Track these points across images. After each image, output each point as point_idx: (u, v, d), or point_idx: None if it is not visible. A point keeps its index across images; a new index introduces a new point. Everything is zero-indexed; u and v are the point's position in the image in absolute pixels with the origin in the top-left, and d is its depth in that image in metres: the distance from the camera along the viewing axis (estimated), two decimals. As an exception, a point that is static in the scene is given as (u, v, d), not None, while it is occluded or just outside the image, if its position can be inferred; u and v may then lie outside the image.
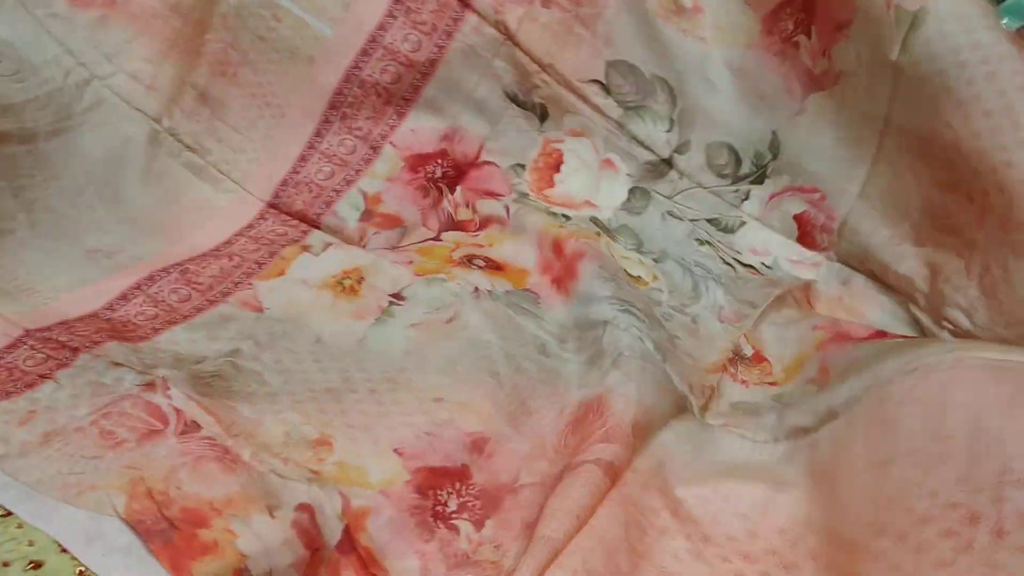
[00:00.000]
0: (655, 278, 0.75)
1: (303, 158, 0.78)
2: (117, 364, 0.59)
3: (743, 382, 0.67)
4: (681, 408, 0.64)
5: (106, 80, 0.81)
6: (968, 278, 0.66)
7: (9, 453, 0.51)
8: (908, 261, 0.70)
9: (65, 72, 0.80)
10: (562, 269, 0.73)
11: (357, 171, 0.78)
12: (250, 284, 0.70)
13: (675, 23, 0.75)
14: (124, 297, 0.67)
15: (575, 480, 0.55)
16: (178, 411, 0.55)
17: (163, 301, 0.68)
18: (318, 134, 0.79)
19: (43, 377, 0.57)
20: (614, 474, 0.56)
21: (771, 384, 0.67)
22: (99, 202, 0.76)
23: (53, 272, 0.67)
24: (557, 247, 0.74)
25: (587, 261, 0.72)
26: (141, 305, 0.67)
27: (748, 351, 0.70)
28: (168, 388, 0.56)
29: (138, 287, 0.68)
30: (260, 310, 0.67)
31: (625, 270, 0.75)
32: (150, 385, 0.57)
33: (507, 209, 0.79)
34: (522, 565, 0.50)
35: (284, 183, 0.78)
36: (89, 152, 0.78)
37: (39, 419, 0.54)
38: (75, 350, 0.60)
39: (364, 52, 0.77)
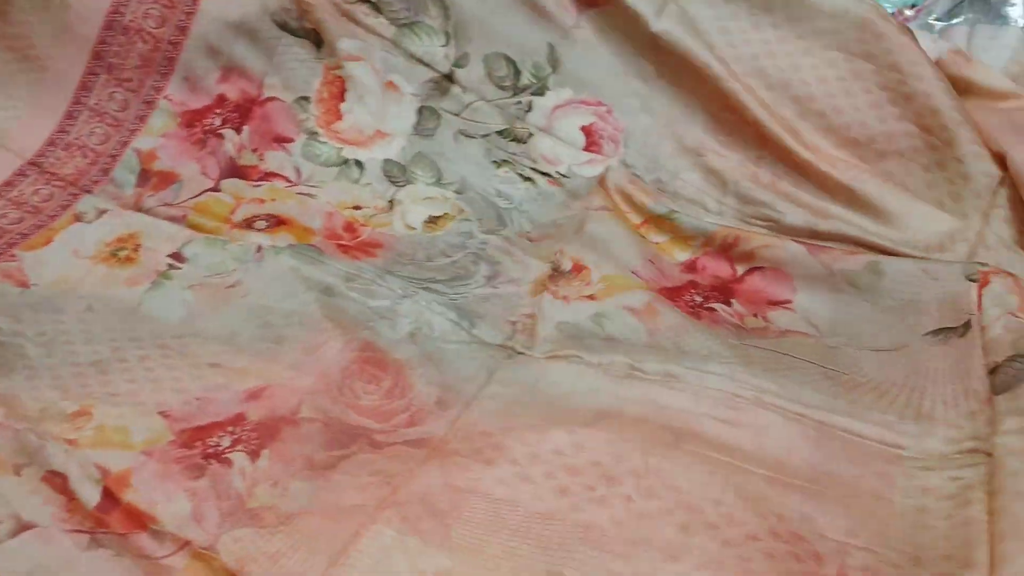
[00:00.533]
0: (461, 211, 0.74)
1: (70, 115, 0.74)
2: None
3: (564, 298, 0.67)
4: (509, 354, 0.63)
5: None
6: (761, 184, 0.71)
7: None
8: (694, 173, 0.72)
9: None
10: (353, 246, 0.71)
11: (132, 131, 0.74)
12: (13, 255, 0.67)
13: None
14: None
15: (383, 458, 0.54)
16: None
17: None
18: (84, 87, 0.75)
19: None
20: (431, 446, 0.55)
21: (590, 298, 0.66)
22: None
23: None
24: (349, 227, 0.73)
25: (384, 251, 0.71)
26: None
27: (567, 265, 0.69)
28: None
29: None
30: (26, 284, 0.65)
31: (427, 218, 0.74)
32: None
33: (297, 171, 0.76)
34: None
35: (51, 143, 0.74)
36: None
37: None
38: None
39: (121, -5, 0.73)
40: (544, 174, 0.76)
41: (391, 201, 0.75)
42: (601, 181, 0.75)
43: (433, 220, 0.74)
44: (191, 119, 0.75)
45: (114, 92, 0.75)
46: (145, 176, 0.74)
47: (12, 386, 0.56)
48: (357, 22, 0.75)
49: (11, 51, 0.74)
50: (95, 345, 0.60)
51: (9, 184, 0.72)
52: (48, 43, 0.74)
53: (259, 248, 0.68)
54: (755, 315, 0.65)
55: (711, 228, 0.70)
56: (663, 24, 0.71)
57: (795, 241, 0.67)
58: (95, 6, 0.73)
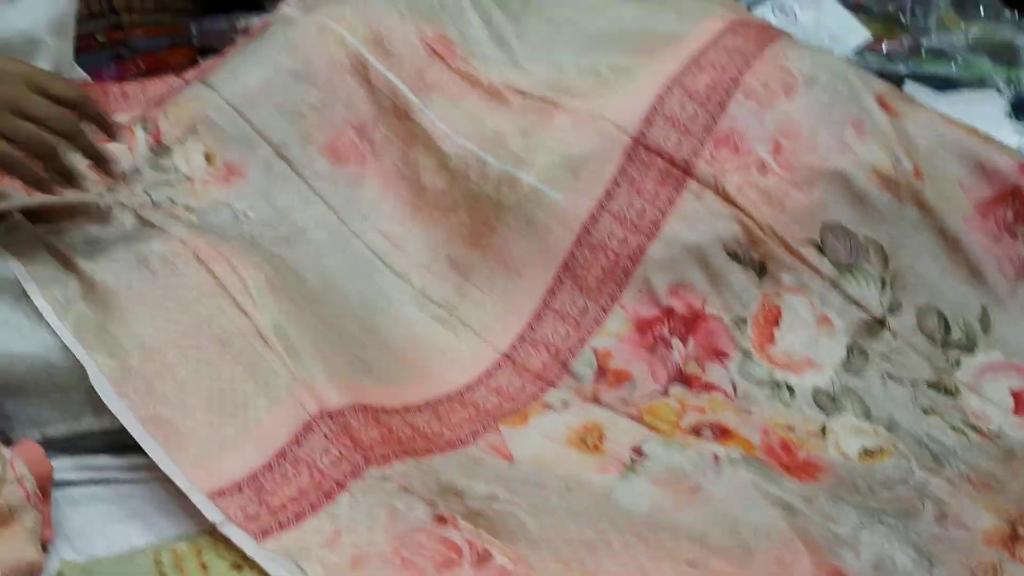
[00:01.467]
0: (895, 447, 0.77)
1: (538, 315, 0.86)
2: (406, 489, 0.65)
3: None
4: None
5: (361, 237, 0.92)
6: None
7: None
8: None
9: (328, 231, 0.92)
10: (796, 466, 0.75)
11: (589, 331, 0.84)
12: (497, 429, 0.76)
13: (891, 190, 0.80)
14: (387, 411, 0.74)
15: None
16: (470, 543, 0.61)
17: (419, 429, 0.74)
18: (551, 292, 0.86)
19: (339, 486, 0.65)
20: None
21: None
22: (357, 328, 0.84)
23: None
24: (785, 446, 0.77)
25: (825, 475, 0.74)
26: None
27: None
28: (457, 522, 0.62)
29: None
30: (511, 459, 0.73)
31: (861, 449, 0.77)
32: (441, 519, 0.63)
33: (734, 386, 0.83)
34: None
35: (521, 338, 0.85)
36: (344, 291, 0.87)
37: (343, 542, 0.61)
38: (366, 459, 0.67)
39: (592, 217, 0.85)
40: (975, 428, 0.78)
41: (823, 428, 0.79)
42: None
43: (868, 452, 0.77)
44: (643, 326, 0.84)
45: (576, 298, 0.86)
46: (601, 372, 0.82)
47: (520, 554, 0.63)
48: (802, 260, 0.83)
49: (494, 259, 0.88)
50: (580, 524, 0.66)
51: (489, 374, 0.83)
52: (525, 254, 0.87)
53: (716, 457, 0.73)
54: None
55: None
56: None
57: None
58: (570, 226, 0.86)
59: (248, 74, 0.97)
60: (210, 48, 1.27)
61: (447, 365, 0.84)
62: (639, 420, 0.78)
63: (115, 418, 0.71)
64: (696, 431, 0.77)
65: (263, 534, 0.62)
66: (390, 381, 0.79)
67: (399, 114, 0.96)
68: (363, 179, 0.96)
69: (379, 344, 0.84)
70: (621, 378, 0.82)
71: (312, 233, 0.90)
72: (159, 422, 0.69)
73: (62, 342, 0.71)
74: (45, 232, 0.79)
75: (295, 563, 0.60)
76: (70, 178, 0.72)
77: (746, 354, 0.84)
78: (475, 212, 0.89)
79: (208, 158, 0.92)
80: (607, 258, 0.85)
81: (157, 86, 1.04)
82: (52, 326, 0.72)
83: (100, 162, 0.75)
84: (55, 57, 0.93)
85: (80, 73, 1.01)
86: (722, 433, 0.77)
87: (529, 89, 0.93)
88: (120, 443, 0.73)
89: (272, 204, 0.91)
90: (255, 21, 1.18)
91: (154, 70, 1.28)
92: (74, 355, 0.71)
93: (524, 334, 0.85)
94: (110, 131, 0.75)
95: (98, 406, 0.72)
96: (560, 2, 1.03)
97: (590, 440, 0.76)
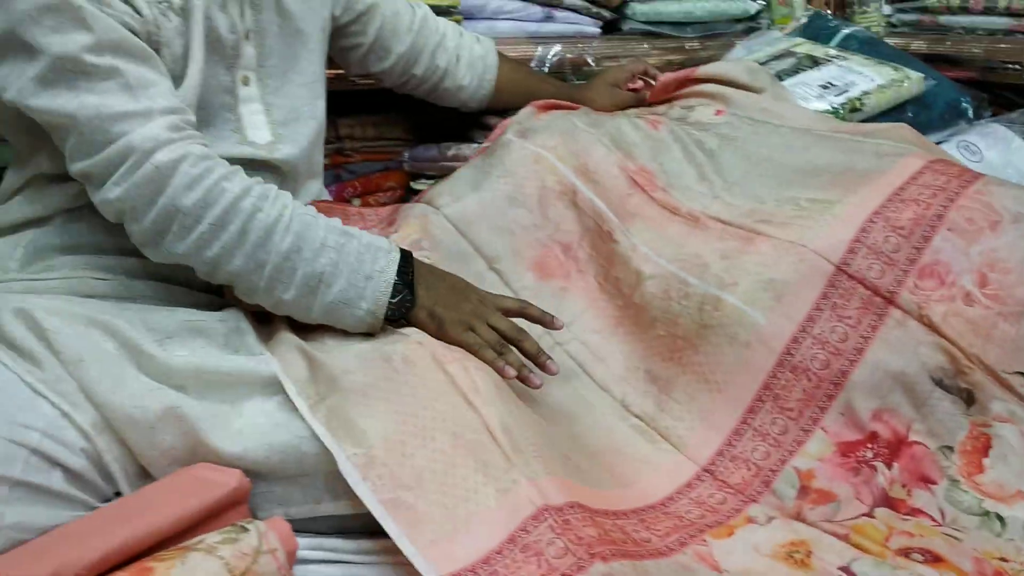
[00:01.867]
0: None
1: (737, 432, 0.89)
2: None
3: None
4: None
5: (564, 345, 0.99)
6: None
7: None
8: None
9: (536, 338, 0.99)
10: None
11: (790, 451, 0.87)
12: (704, 540, 0.79)
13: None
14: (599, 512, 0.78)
15: None
16: None
17: (629, 533, 0.78)
18: (751, 411, 0.89)
19: None
20: None
21: None
22: (564, 432, 0.89)
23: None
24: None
25: None
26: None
27: None
28: None
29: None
30: (717, 569, 0.76)
31: None
32: None
33: (941, 513, 0.83)
34: None
35: (720, 453, 0.88)
36: (551, 395, 0.93)
37: None
38: (590, 555, 0.70)
39: (795, 340, 0.89)
40: None
41: None
42: None
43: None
44: (846, 449, 0.86)
45: (776, 418, 0.89)
46: (804, 491, 0.84)
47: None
48: (1011, 390, 0.84)
49: (693, 374, 0.93)
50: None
51: (689, 487, 0.86)
52: (727, 372, 0.91)
53: (933, 583, 0.73)
54: None
55: None
56: None
57: None
58: (772, 347, 0.89)
59: (468, 196, 1.08)
60: (419, 173, 1.40)
61: (648, 475, 0.88)
62: (846, 540, 0.79)
63: (350, 503, 0.78)
64: (906, 554, 0.78)
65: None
66: (596, 485, 0.83)
67: (603, 236, 1.04)
68: (567, 293, 1.03)
69: (583, 449, 0.89)
70: (826, 498, 0.84)
71: (519, 341, 0.97)
72: (398, 505, 0.76)
73: (313, 433, 0.79)
74: (302, 336, 0.89)
75: None
76: (519, 365, 0.87)
77: (953, 482, 0.84)
78: (675, 329, 0.95)
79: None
80: (808, 380, 0.88)
81: (386, 208, 1.16)
82: (306, 419, 0.80)
83: (539, 355, 0.90)
84: (305, 178, 1.06)
85: (326, 195, 1.15)
86: (934, 559, 0.77)
87: (729, 218, 1.00)
88: (350, 528, 0.81)
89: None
90: (464, 149, 1.31)
91: (369, 191, 1.43)
92: (322, 445, 0.78)
93: (723, 449, 0.89)
94: (551, 325, 0.92)
95: (336, 491, 0.80)
96: (757, 142, 1.10)
97: (798, 556, 0.77)
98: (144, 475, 0.80)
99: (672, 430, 0.92)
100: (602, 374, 0.98)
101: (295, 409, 0.81)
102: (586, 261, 1.05)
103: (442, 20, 1.27)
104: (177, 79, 0.87)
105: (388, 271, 0.87)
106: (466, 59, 1.26)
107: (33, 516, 0.72)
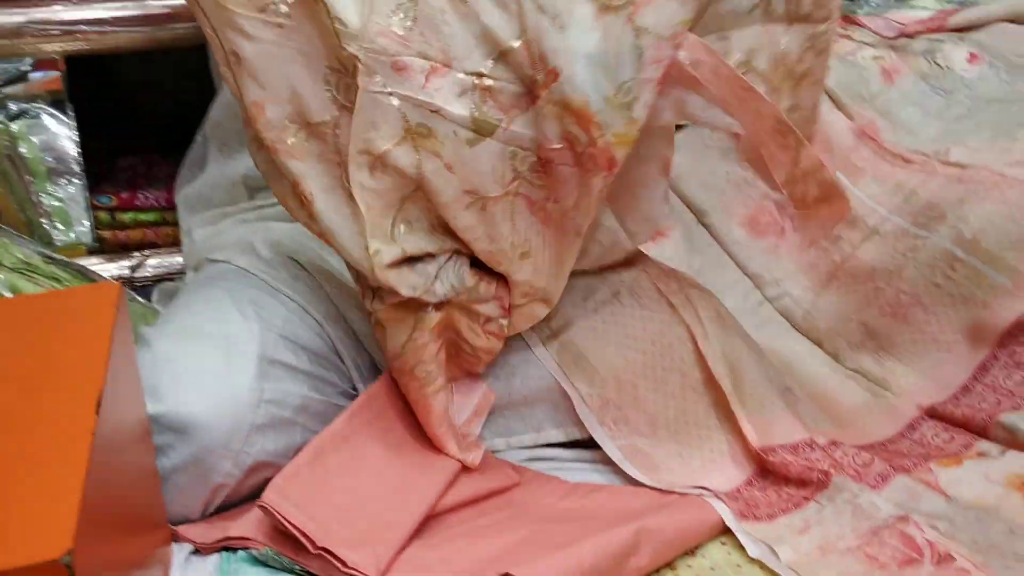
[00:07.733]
0: None
1: (965, 388, 0.86)
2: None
3: None
4: None
5: (774, 301, 0.98)
6: None
7: (799, 559, 0.66)
8: None
9: (742, 293, 0.98)
10: None
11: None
12: (929, 468, 0.77)
13: None
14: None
15: None
16: (931, 544, 0.64)
17: (853, 461, 0.77)
18: (983, 368, 0.86)
19: (807, 499, 0.71)
20: None
21: None
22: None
23: None
24: None
25: None
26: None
27: None
28: (920, 523, 0.66)
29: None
30: (945, 495, 0.73)
31: None
32: (904, 518, 0.67)
33: None
34: None
35: (945, 404, 0.86)
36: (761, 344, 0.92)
37: (812, 533, 0.68)
38: (825, 473, 0.72)
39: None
40: None
41: None
42: None
43: None
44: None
45: (1012, 372, 0.84)
46: None
47: (984, 562, 0.64)
48: None
49: (923, 332, 0.89)
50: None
51: (912, 427, 0.85)
52: (958, 331, 0.88)
53: None
54: None
55: None
56: None
57: None
58: (1015, 308, 0.85)
59: (679, 153, 1.07)
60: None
61: (865, 416, 0.87)
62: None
63: (575, 429, 0.81)
64: None
65: (742, 518, 0.72)
66: (814, 423, 0.83)
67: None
68: (779, 250, 1.02)
69: (799, 390, 0.88)
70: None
71: (723, 294, 0.96)
72: (635, 452, 0.79)
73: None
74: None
75: (768, 547, 0.68)
76: None
77: None
78: (899, 284, 0.91)
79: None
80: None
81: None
82: (536, 354, 0.83)
83: None
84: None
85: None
86: None
87: (969, 162, 0.94)
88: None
89: (689, 264, 0.99)
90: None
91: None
92: (549, 376, 0.81)
93: (949, 402, 0.86)
94: None
95: (557, 420, 0.82)
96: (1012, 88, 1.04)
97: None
98: (374, 370, 0.84)
99: (891, 383, 0.90)
100: (813, 329, 0.96)
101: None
102: (801, 220, 1.03)
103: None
104: None
105: None
106: None
107: (286, 393, 0.75)
